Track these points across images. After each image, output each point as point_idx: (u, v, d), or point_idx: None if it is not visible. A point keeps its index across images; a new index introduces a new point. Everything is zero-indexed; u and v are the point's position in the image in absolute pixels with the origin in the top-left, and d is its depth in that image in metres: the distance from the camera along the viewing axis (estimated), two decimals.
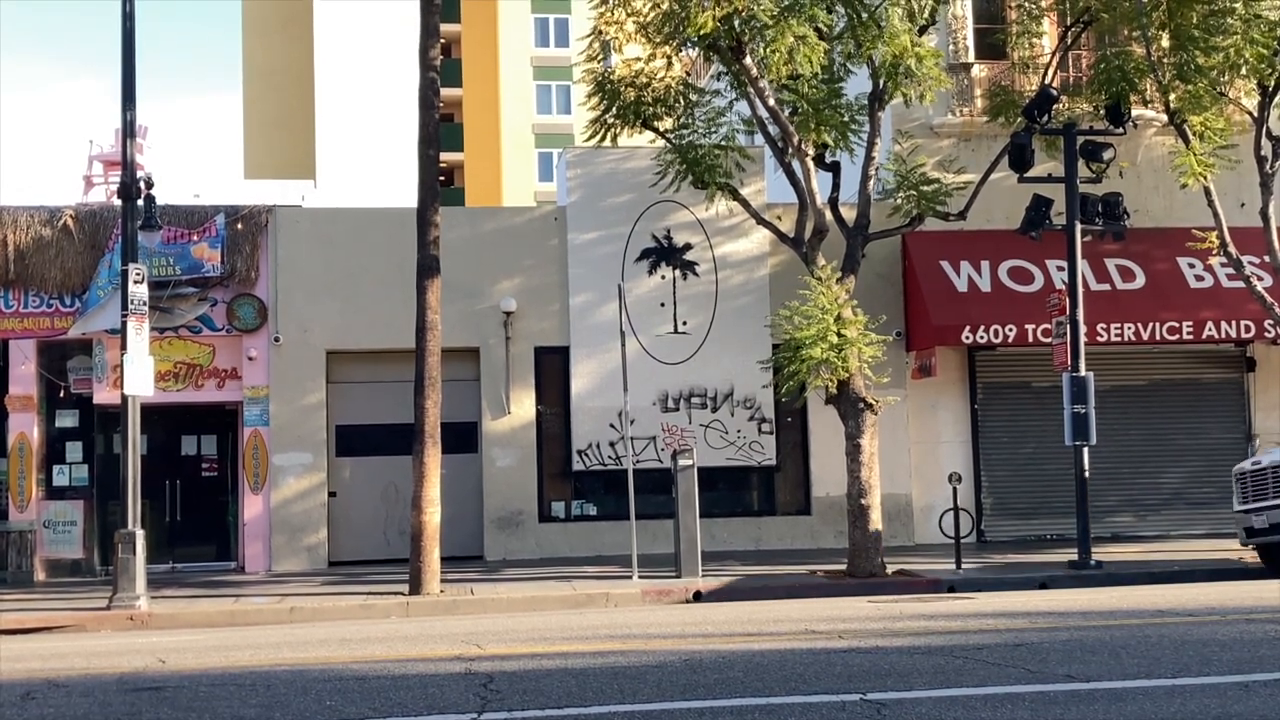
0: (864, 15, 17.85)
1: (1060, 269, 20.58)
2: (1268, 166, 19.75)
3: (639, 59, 20.15)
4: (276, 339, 21.68)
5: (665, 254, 22.56)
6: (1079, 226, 18.92)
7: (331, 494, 21.88)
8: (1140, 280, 22.26)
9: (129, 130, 17.22)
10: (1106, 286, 21.95)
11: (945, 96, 21.38)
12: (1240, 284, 20.61)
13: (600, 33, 20.29)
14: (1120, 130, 19.67)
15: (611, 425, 21.92)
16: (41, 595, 18.58)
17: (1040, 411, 21.79)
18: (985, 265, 22.10)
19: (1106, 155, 19.04)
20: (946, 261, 22.14)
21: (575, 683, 7.95)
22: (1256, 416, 23.32)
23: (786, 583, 17.24)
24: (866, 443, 17.79)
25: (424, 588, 16.78)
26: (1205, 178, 19.47)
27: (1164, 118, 20.77)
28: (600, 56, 20.69)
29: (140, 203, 17.83)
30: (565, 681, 8.02)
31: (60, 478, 21.68)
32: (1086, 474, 18.47)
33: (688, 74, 22.68)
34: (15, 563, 20.89)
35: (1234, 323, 21.59)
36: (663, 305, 22.48)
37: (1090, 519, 18.39)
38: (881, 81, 18.48)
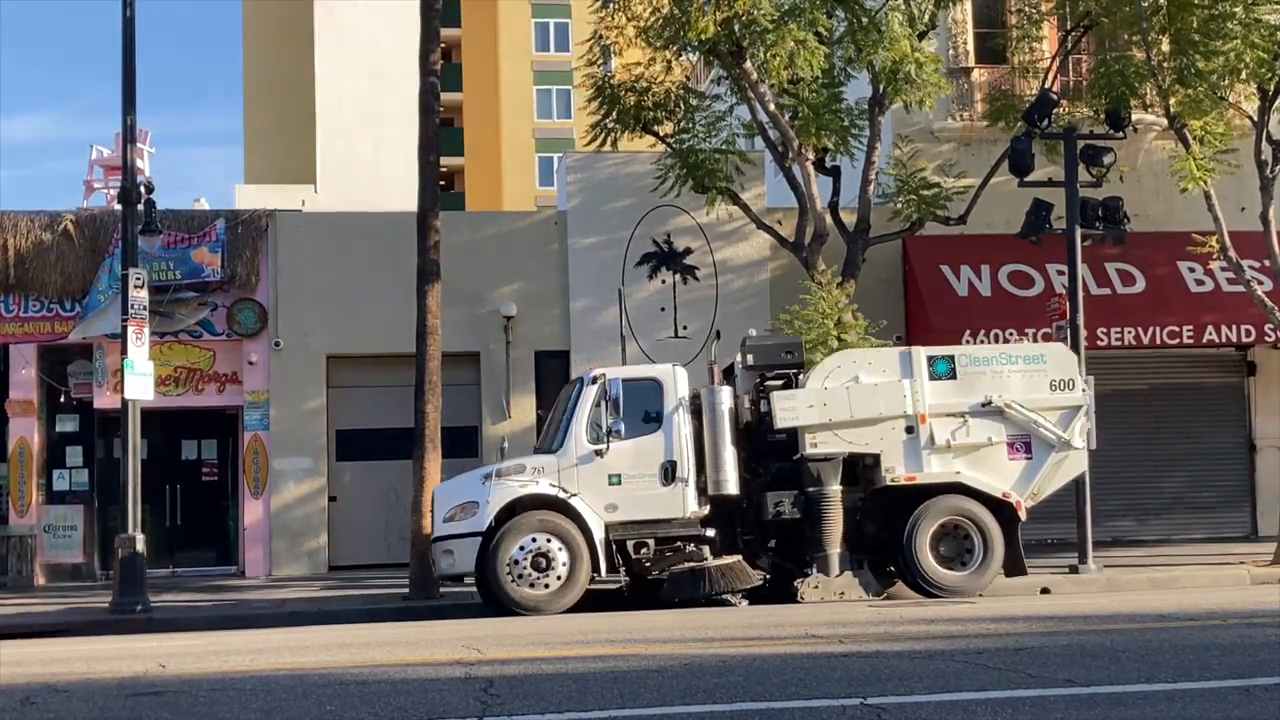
0: (864, 20, 17.88)
1: (1060, 273, 20.56)
2: (1268, 170, 19.73)
3: (639, 63, 20.18)
4: (277, 344, 21.68)
5: (666, 258, 22.54)
6: (1079, 231, 18.89)
7: (332, 499, 21.88)
8: (1140, 284, 22.25)
9: (129, 135, 17.23)
10: (1107, 291, 21.94)
11: (945, 101, 21.37)
12: (1240, 288, 20.58)
13: (600, 37, 20.33)
14: (1120, 134, 19.64)
15: None
16: (42, 600, 18.57)
17: None
18: (985, 269, 22.08)
19: (1106, 159, 19.01)
20: (947, 265, 22.13)
21: (575, 687, 7.94)
22: (1257, 420, 23.32)
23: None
24: None
25: (424, 592, 16.76)
26: (1205, 182, 19.44)
27: (1164, 122, 20.75)
28: (600, 61, 20.70)
29: (141, 207, 17.84)
30: (565, 685, 8.02)
31: (60, 482, 21.69)
32: (1087, 478, 18.42)
33: (688, 78, 22.71)
34: (15, 568, 20.90)
35: (1234, 327, 21.59)
36: (663, 310, 22.47)
37: (1091, 523, 18.35)
38: (882, 86, 18.50)
